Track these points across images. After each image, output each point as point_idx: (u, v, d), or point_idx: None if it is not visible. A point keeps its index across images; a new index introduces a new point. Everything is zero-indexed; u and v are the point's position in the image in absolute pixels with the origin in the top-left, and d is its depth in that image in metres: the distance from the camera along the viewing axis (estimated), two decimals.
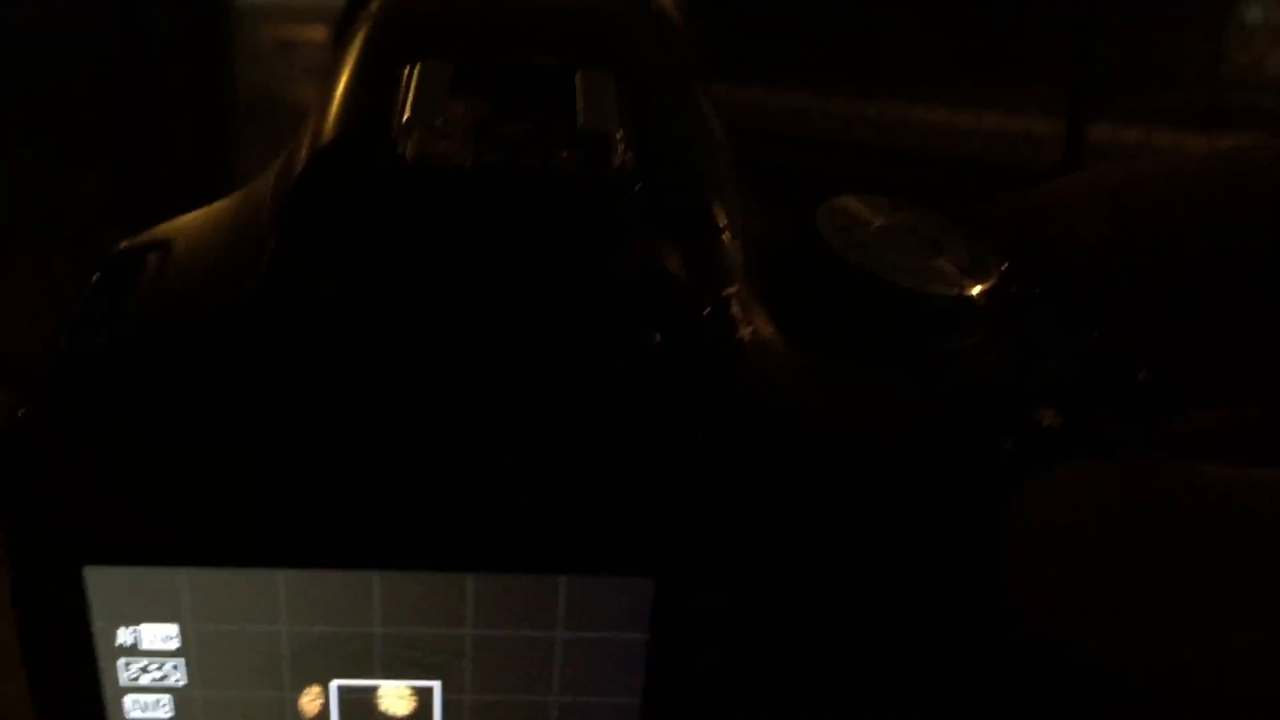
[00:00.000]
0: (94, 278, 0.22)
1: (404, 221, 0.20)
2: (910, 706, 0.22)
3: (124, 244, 0.23)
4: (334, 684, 0.23)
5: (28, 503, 0.21)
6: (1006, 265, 0.22)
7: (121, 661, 0.23)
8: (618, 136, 0.20)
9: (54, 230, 4.77)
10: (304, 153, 0.22)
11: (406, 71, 0.21)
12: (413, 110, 0.20)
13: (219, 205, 0.25)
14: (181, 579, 0.22)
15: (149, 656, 0.23)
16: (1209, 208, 0.22)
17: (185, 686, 0.23)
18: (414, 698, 0.23)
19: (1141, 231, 0.22)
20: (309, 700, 0.23)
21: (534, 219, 0.19)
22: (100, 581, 0.22)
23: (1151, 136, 3.36)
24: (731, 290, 0.20)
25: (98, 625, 0.22)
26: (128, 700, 0.23)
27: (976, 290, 0.21)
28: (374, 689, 0.23)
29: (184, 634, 0.22)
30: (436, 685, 0.23)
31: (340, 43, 0.32)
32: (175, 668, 0.23)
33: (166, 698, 0.23)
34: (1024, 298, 0.22)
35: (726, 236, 0.20)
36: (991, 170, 3.85)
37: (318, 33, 3.92)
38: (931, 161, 4.25)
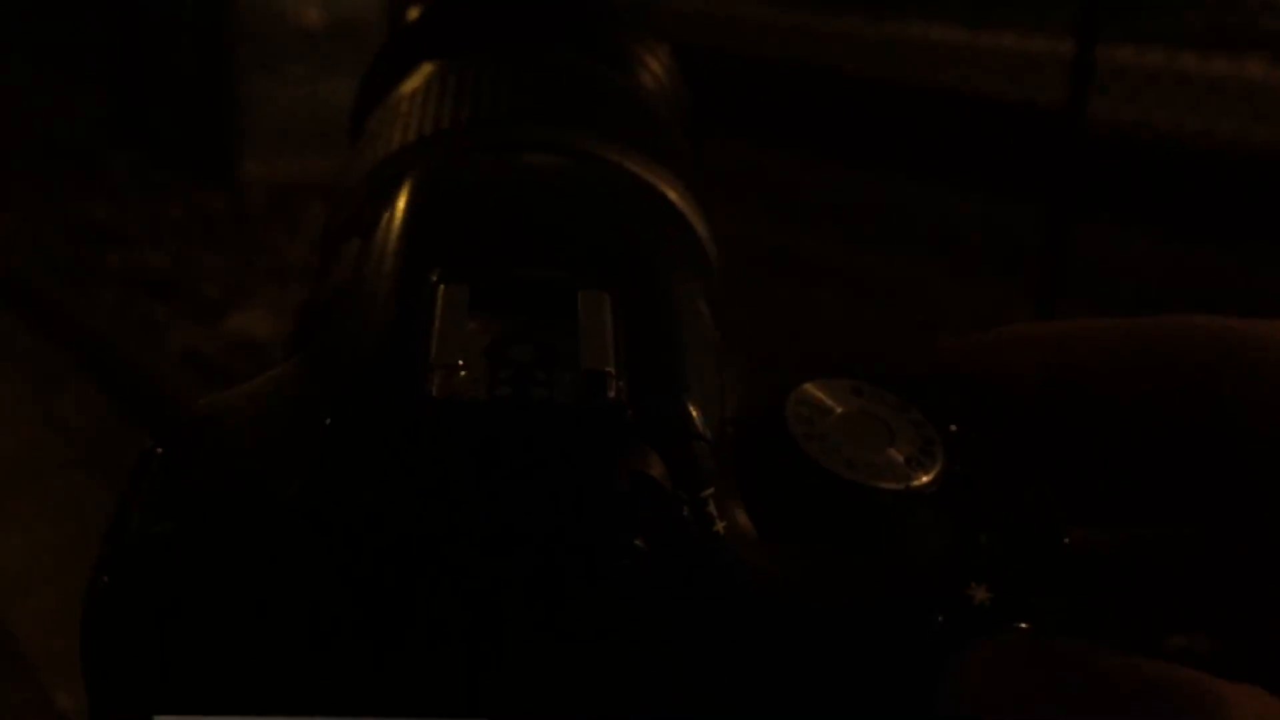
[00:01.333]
0: (157, 452, 0.26)
1: (431, 452, 0.23)
2: None
3: (182, 419, 0.26)
4: None
5: (106, 661, 0.24)
6: (952, 441, 0.26)
7: None
8: (611, 371, 0.23)
9: (55, 150, 4.75)
10: (338, 374, 0.25)
11: (431, 293, 0.25)
12: (439, 348, 0.24)
13: (267, 380, 0.28)
14: None
15: None
16: (1130, 373, 0.27)
17: None
18: None
19: (1073, 380, 0.27)
20: None
21: (543, 448, 0.23)
22: None
23: (1175, 61, 3.31)
24: (708, 492, 0.24)
25: None
26: None
27: (922, 480, 0.25)
28: None
29: None
30: None
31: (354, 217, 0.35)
32: None
33: None
34: (965, 477, 0.25)
35: (704, 445, 0.24)
36: (997, 105, 3.80)
37: None
38: (939, 94, 4.19)
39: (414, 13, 0.45)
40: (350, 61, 3.97)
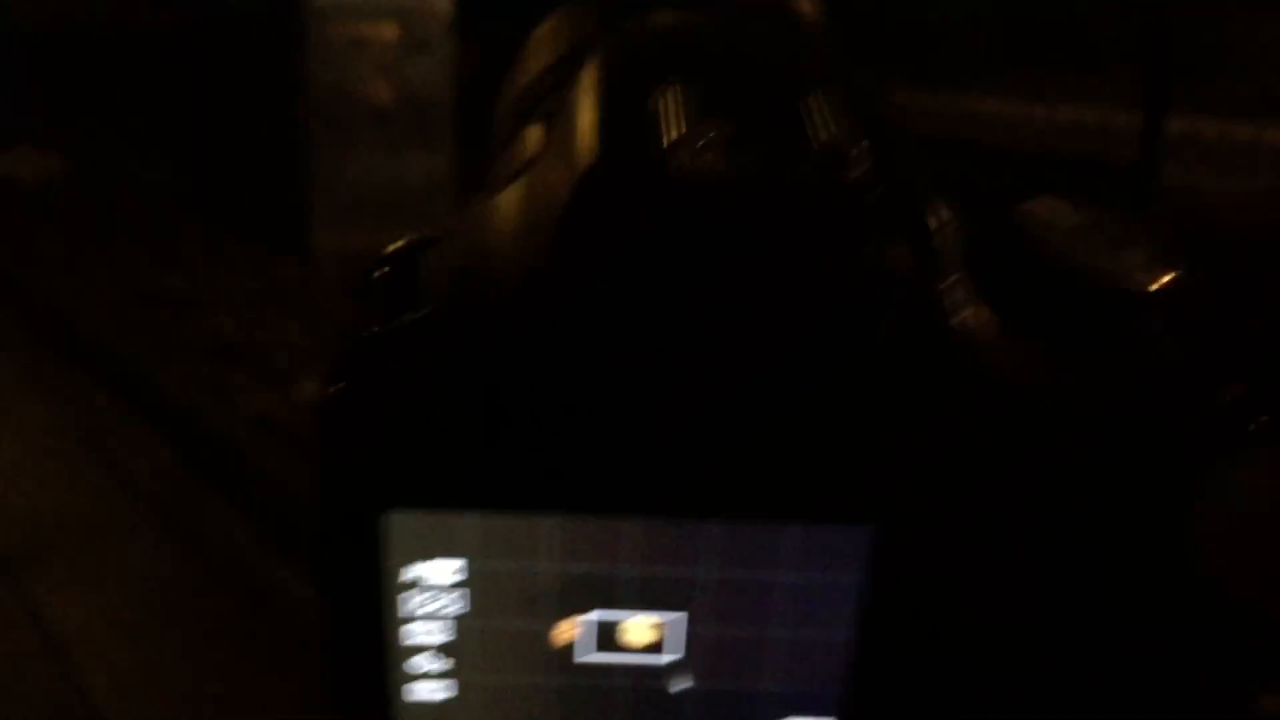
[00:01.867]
0: (378, 272, 0.26)
1: (678, 227, 0.23)
2: (1091, 664, 0.24)
3: (404, 241, 0.27)
4: (589, 615, 0.27)
5: (342, 460, 0.25)
6: (1184, 258, 0.25)
7: (404, 595, 0.26)
8: (853, 152, 0.23)
9: (132, 222, 4.88)
10: (569, 166, 0.24)
11: (657, 94, 0.24)
12: (680, 128, 0.23)
13: (482, 205, 0.28)
14: (468, 523, 0.25)
15: (431, 590, 0.26)
16: None
17: (460, 616, 0.27)
18: (657, 630, 0.27)
19: None
20: (564, 630, 0.27)
21: (785, 229, 0.23)
22: (398, 526, 0.25)
23: (1231, 130, 3.30)
24: (953, 279, 0.23)
25: (389, 565, 0.26)
26: (404, 628, 0.27)
27: (1159, 283, 0.24)
28: (622, 621, 0.27)
29: (466, 569, 0.26)
30: (676, 617, 0.27)
31: (529, 63, 0.36)
32: (454, 599, 0.27)
33: (442, 624, 0.27)
34: (1202, 287, 0.24)
35: (944, 237, 0.23)
36: (1066, 163, 3.80)
37: (389, 31, 3.96)
38: (999, 154, 4.21)
39: None
40: (420, 137, 4.08)
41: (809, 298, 0.23)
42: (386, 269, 0.26)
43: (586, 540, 0.26)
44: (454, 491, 0.25)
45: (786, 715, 0.28)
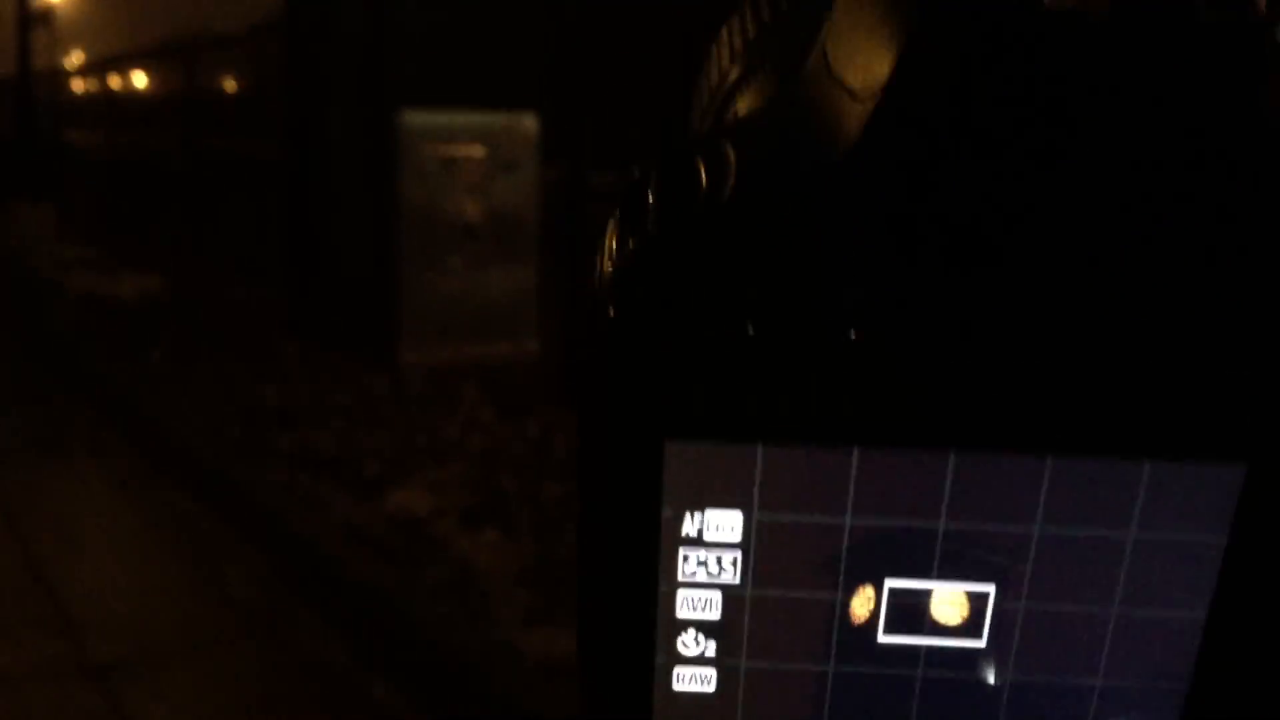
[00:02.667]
0: (644, 183, 0.22)
1: (1053, 70, 0.19)
2: None
3: (662, 156, 0.23)
4: (887, 584, 0.23)
5: (618, 380, 0.22)
6: None
7: (683, 552, 0.23)
8: None
9: (232, 339, 5.03)
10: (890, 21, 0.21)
11: None
12: None
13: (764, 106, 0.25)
14: (756, 459, 0.22)
15: (710, 548, 0.23)
16: None
17: (737, 585, 0.23)
18: (966, 605, 0.23)
19: None
20: (860, 603, 0.23)
21: (1180, 69, 0.19)
22: (677, 458, 0.22)
23: None
24: None
25: (666, 511, 0.23)
26: (679, 595, 0.24)
27: None
28: (926, 593, 0.23)
29: (747, 525, 0.23)
30: (991, 590, 0.23)
31: None
32: (733, 562, 0.23)
33: (716, 595, 0.24)
34: None
35: None
36: None
37: (478, 151, 4.09)
38: None
39: None
40: (504, 253, 4.18)
41: (1211, 158, 0.19)
42: (658, 172, 0.22)
43: (892, 482, 0.22)
44: (742, 419, 0.22)
45: (1123, 716, 0.23)
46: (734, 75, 0.34)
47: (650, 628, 0.24)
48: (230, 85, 7.03)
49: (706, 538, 0.23)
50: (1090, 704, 0.23)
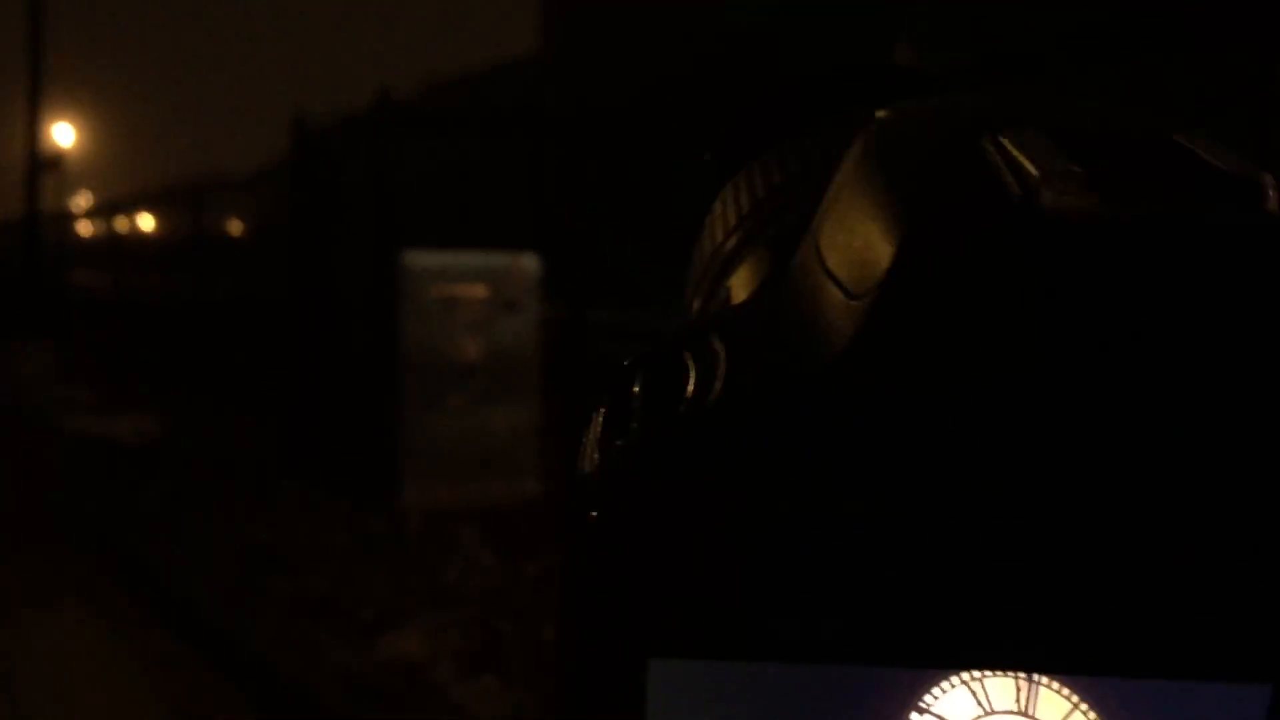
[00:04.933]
0: (630, 377, 0.22)
1: (1059, 278, 0.18)
2: None
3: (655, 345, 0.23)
4: None
5: (600, 593, 0.21)
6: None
7: None
8: (1268, 180, 0.19)
9: (227, 481, 5.00)
10: (888, 231, 0.20)
11: (995, 142, 0.20)
12: (1038, 166, 0.19)
13: (742, 306, 0.25)
14: (748, 679, 0.21)
15: None
16: None
17: None
18: None
19: None
20: None
21: (1197, 271, 0.18)
22: (663, 678, 0.21)
23: None
24: None
25: None
26: None
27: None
28: None
29: None
30: None
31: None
32: None
33: None
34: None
35: None
36: None
37: (480, 291, 4.13)
38: None
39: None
40: (504, 392, 4.19)
41: (1234, 358, 0.18)
42: (645, 367, 0.22)
43: (898, 702, 0.21)
44: (735, 634, 0.20)
45: None
46: (728, 247, 0.33)
47: None
48: (234, 228, 7.17)
49: None
50: None
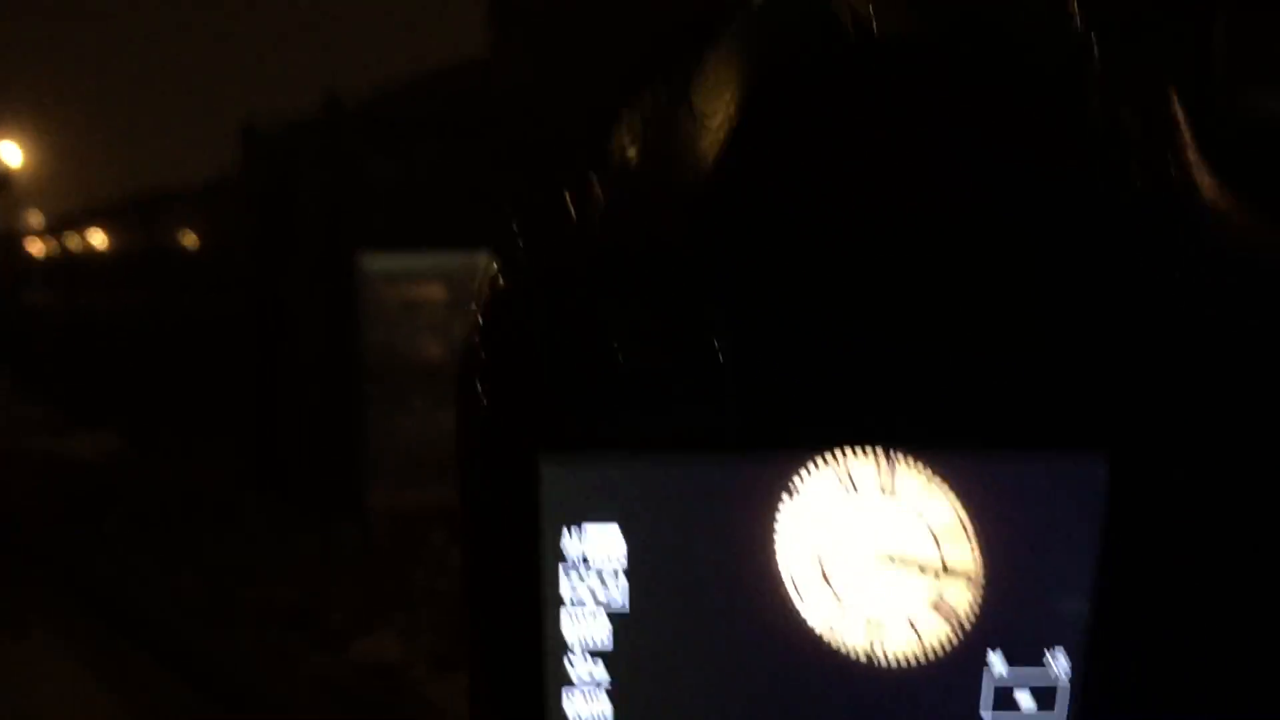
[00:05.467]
0: (516, 218, 0.23)
1: (868, 97, 0.20)
2: None
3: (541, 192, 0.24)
4: (778, 586, 0.23)
5: (492, 401, 0.22)
6: None
7: (566, 574, 0.23)
8: (1075, 4, 0.20)
9: (191, 496, 4.97)
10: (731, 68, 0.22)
11: None
12: None
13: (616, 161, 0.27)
14: (633, 474, 0.22)
15: (594, 570, 0.23)
16: None
17: (624, 608, 0.23)
18: (862, 594, 0.23)
19: None
20: (751, 613, 0.23)
21: (1016, 82, 0.20)
22: (554, 474, 0.22)
23: None
24: (1188, 149, 0.20)
25: (547, 530, 0.23)
26: (565, 618, 0.23)
27: None
28: (819, 589, 0.23)
29: (631, 545, 0.23)
30: (883, 577, 0.23)
31: None
32: (618, 584, 0.23)
33: (604, 618, 0.23)
34: None
35: (1176, 101, 0.21)
36: None
37: (437, 292, 4.12)
38: None
39: None
40: None
41: (1038, 169, 0.19)
42: (532, 205, 0.23)
43: (770, 486, 0.22)
44: (616, 432, 0.22)
45: (1009, 684, 0.23)
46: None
47: (538, 652, 0.23)
48: (188, 240, 7.09)
49: (590, 559, 0.23)
50: (981, 674, 0.24)
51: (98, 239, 9.38)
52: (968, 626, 0.23)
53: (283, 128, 4.66)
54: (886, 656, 0.23)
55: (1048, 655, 0.23)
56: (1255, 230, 0.20)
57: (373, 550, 3.69)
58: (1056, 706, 0.24)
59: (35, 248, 11.69)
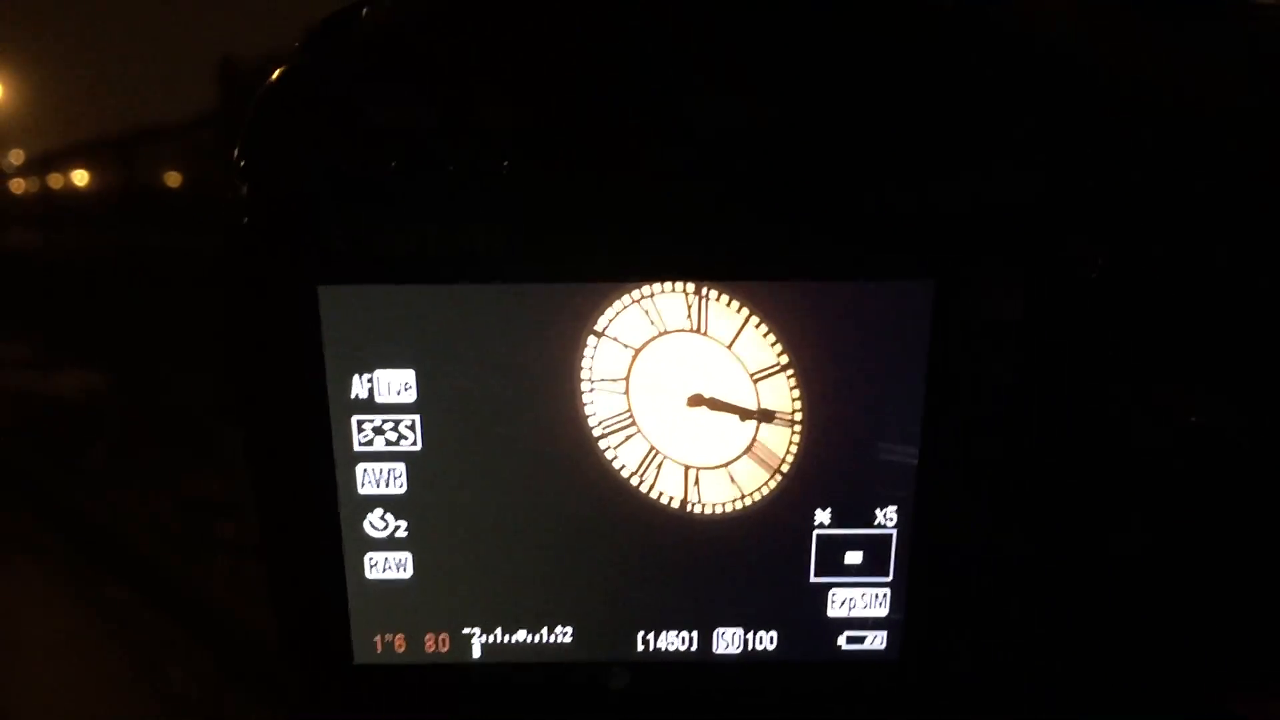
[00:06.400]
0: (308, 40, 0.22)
1: None
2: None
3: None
4: (579, 427, 0.21)
5: (263, 223, 0.20)
6: None
7: (356, 419, 0.21)
8: None
9: (167, 430, 5.00)
10: None
11: None
12: None
13: None
14: (417, 303, 0.20)
15: (385, 412, 0.21)
16: None
17: (419, 452, 0.22)
18: (673, 430, 0.21)
19: None
20: (550, 451, 0.22)
21: None
22: (334, 305, 0.20)
23: None
24: None
25: (331, 370, 0.21)
26: (359, 469, 0.22)
27: None
28: (621, 430, 0.21)
29: (421, 383, 0.21)
30: (693, 412, 0.21)
31: None
32: (411, 426, 0.21)
33: (400, 467, 0.22)
34: None
35: None
36: None
37: None
38: None
39: None
40: None
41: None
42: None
43: (571, 326, 0.21)
44: (401, 259, 0.20)
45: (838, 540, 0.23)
46: None
47: (332, 509, 0.22)
48: (170, 179, 7.04)
49: (379, 400, 0.22)
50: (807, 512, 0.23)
51: (77, 176, 9.31)
52: (788, 474, 0.23)
53: (262, 59, 4.61)
54: (703, 506, 0.23)
55: (877, 511, 0.23)
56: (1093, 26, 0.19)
57: None
58: (891, 570, 0.23)
59: (15, 185, 11.60)
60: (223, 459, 4.24)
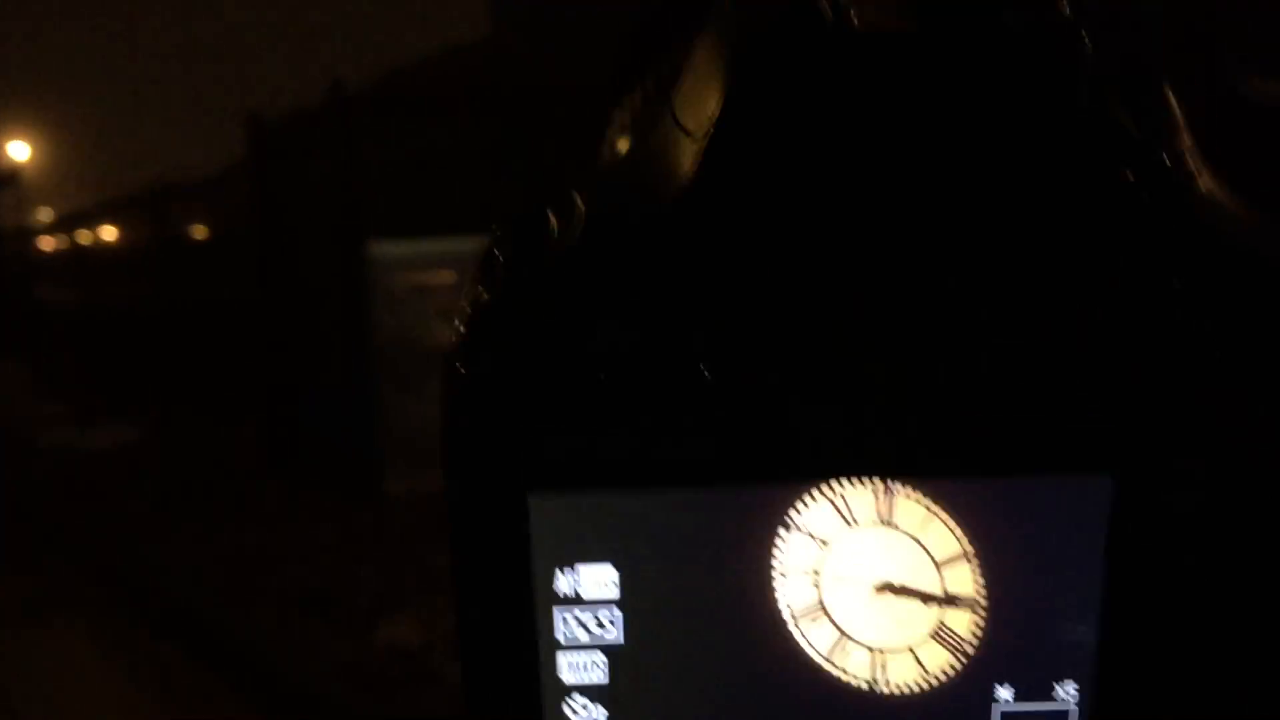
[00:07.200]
0: (498, 237, 0.22)
1: (861, 87, 0.19)
2: None
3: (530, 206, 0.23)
4: (779, 621, 0.22)
5: (476, 436, 0.21)
6: None
7: (559, 613, 0.22)
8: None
9: (212, 485, 4.99)
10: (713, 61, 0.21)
11: None
12: None
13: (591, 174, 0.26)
14: (622, 508, 0.21)
15: (588, 606, 0.22)
16: None
17: (621, 645, 0.23)
18: (866, 623, 0.23)
19: None
20: (751, 644, 0.23)
21: (990, 75, 0.19)
22: (542, 512, 0.22)
23: None
24: (1186, 144, 0.20)
25: (537, 568, 0.22)
26: (561, 659, 0.23)
27: None
28: (823, 619, 0.23)
29: (623, 579, 0.22)
30: (891, 606, 0.23)
31: None
32: (612, 620, 0.22)
33: (600, 657, 0.23)
34: None
35: (1171, 96, 0.20)
36: None
37: (448, 277, 4.12)
38: None
39: None
40: None
41: (1030, 169, 0.19)
42: (509, 227, 0.22)
43: (766, 519, 0.22)
44: (605, 466, 0.21)
45: (1017, 715, 0.23)
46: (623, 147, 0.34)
47: (535, 694, 0.22)
48: (198, 232, 7.10)
49: (583, 595, 0.22)
50: (988, 692, 0.23)
51: (108, 232, 9.41)
52: (972, 655, 0.23)
53: (288, 115, 4.66)
54: (889, 686, 0.23)
55: (1056, 687, 0.23)
56: (1258, 226, 0.20)
57: (391, 535, 3.70)
58: None
59: (46, 242, 11.73)
60: (262, 513, 4.25)
